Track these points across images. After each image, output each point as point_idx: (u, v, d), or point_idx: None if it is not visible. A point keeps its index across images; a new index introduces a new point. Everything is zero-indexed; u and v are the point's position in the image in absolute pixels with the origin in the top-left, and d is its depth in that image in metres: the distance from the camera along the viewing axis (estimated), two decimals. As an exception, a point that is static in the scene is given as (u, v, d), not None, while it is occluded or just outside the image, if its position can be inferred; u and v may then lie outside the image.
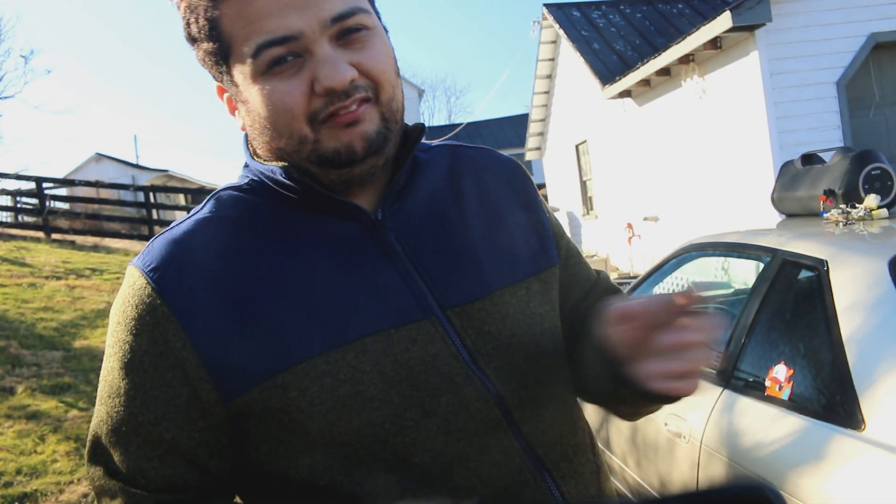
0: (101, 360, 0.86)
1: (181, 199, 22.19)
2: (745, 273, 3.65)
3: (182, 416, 0.80)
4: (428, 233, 0.89)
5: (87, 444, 0.85)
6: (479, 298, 0.87)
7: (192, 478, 0.82)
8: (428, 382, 0.80)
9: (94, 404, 0.86)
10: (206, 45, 0.84)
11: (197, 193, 17.69)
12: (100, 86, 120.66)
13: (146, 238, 13.72)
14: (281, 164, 0.85)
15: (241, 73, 0.83)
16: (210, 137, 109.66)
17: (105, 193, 18.71)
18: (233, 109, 0.89)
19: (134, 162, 32.88)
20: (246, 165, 0.92)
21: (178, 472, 0.81)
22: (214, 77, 0.88)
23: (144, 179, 24.95)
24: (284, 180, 0.85)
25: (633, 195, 11.33)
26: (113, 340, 0.83)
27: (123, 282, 0.86)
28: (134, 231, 14.70)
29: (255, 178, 0.89)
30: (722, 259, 3.48)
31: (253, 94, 0.82)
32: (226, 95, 0.89)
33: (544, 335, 0.91)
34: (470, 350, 0.84)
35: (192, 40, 0.86)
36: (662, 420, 2.69)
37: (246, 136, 0.92)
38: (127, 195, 17.86)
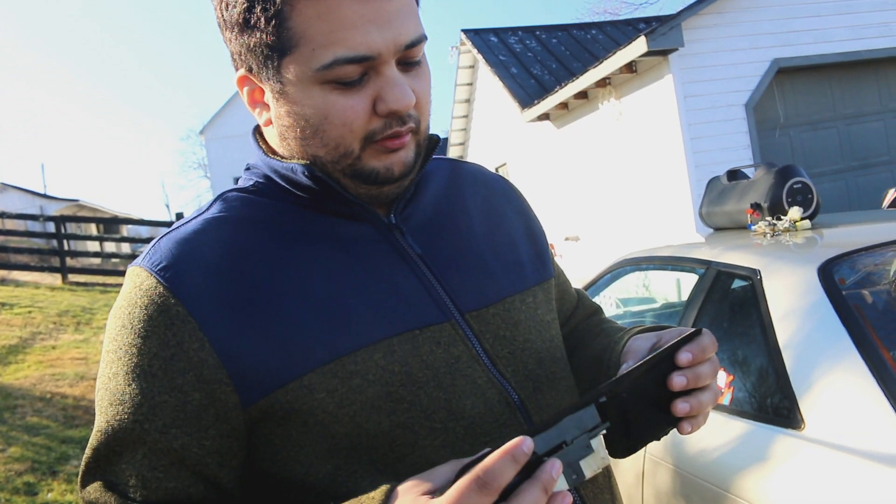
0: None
1: (93, 230, 21.43)
2: (669, 287, 3.77)
3: (193, 423, 0.77)
4: (439, 239, 0.90)
5: (82, 465, 0.81)
6: (493, 304, 0.88)
7: (196, 492, 0.78)
8: (454, 385, 0.80)
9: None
10: (264, 36, 0.79)
11: (110, 223, 17.16)
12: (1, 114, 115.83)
13: (58, 270, 13.19)
14: (303, 162, 0.84)
15: (299, 74, 0.80)
16: (121, 165, 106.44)
17: (11, 224, 17.93)
18: (255, 102, 0.86)
19: (42, 192, 31.62)
20: (248, 168, 0.90)
21: (182, 485, 0.78)
22: (252, 66, 0.83)
23: (53, 209, 23.99)
24: (304, 180, 0.84)
25: (554, 216, 11.55)
26: (115, 346, 0.79)
27: (124, 285, 0.82)
28: (44, 263, 14.09)
29: (262, 181, 0.88)
30: (650, 273, 3.59)
31: (309, 99, 0.80)
32: (247, 88, 0.85)
33: (552, 342, 0.93)
34: (489, 353, 0.85)
35: (245, 25, 0.80)
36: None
37: (259, 131, 0.90)
38: (35, 226, 17.15)
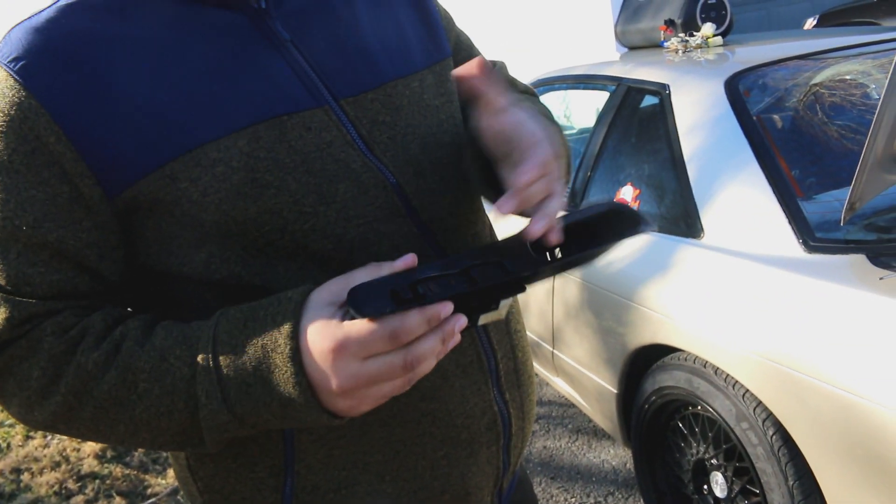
0: None
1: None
2: (587, 109, 3.77)
3: (65, 216, 0.74)
4: (315, 23, 0.85)
5: None
6: (372, 89, 0.84)
7: (82, 282, 0.77)
8: (324, 169, 0.78)
9: None
10: None
11: None
12: None
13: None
14: None
15: None
16: None
17: None
18: None
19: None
20: None
21: (65, 276, 0.75)
22: None
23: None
24: None
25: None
26: None
27: None
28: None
29: None
30: (566, 93, 3.56)
31: None
32: None
33: (441, 126, 0.89)
34: (365, 139, 0.82)
35: None
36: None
37: None
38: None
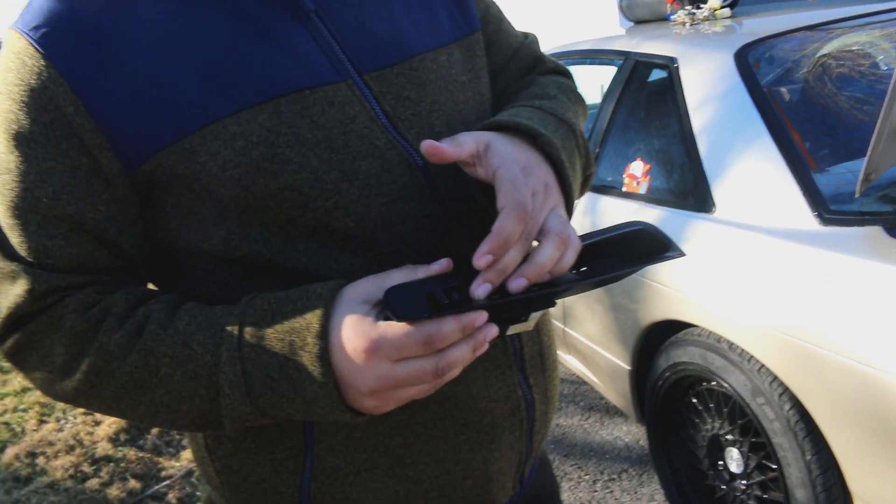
0: None
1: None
2: (593, 89, 3.74)
3: (84, 188, 0.73)
4: None
5: None
6: (398, 63, 0.82)
7: (101, 257, 0.76)
8: (347, 146, 0.76)
9: None
10: None
11: None
12: None
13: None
14: None
15: None
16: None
17: None
18: None
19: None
20: None
21: (85, 250, 0.75)
22: None
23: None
24: None
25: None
26: None
27: (2, 49, 0.75)
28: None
29: None
30: (571, 69, 3.53)
31: None
32: None
33: (467, 103, 0.87)
34: (389, 115, 0.80)
35: None
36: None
37: None
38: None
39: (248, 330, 0.70)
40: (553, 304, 0.75)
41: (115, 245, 0.77)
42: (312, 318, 0.69)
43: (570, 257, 0.73)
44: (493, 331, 0.68)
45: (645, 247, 0.79)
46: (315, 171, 0.75)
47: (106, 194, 0.74)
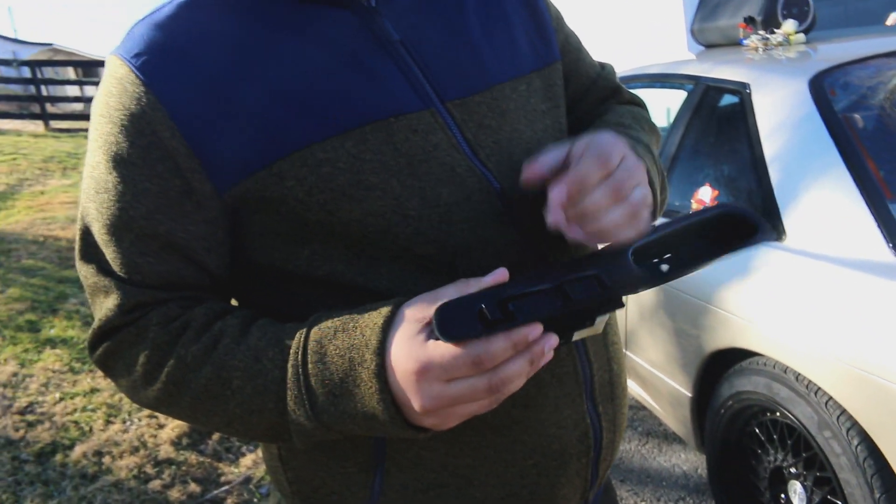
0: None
1: (71, 73, 20.80)
2: (660, 108, 3.71)
3: (176, 209, 0.77)
4: (425, 23, 0.85)
5: (77, 240, 0.82)
6: (479, 92, 0.84)
7: (188, 274, 0.79)
8: (429, 173, 0.78)
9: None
10: None
11: (88, 66, 16.64)
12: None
13: (39, 117, 12.93)
14: None
15: None
16: (98, 4, 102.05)
17: (-16, 71, 17.39)
18: None
19: (13, 37, 30.40)
20: None
21: (173, 267, 0.78)
22: None
23: (27, 54, 23.17)
24: None
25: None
26: (96, 134, 0.78)
27: (104, 74, 0.79)
28: (24, 110, 13.75)
29: None
30: (639, 91, 3.51)
31: None
32: None
33: (546, 132, 0.89)
34: (470, 143, 0.81)
35: None
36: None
37: None
38: (9, 72, 16.62)
39: (312, 346, 0.72)
40: (622, 305, 0.71)
41: (202, 263, 0.80)
42: (371, 335, 0.69)
43: (630, 233, 0.74)
44: (552, 341, 0.66)
45: (730, 232, 0.74)
46: (397, 198, 0.77)
47: (196, 215, 0.77)
